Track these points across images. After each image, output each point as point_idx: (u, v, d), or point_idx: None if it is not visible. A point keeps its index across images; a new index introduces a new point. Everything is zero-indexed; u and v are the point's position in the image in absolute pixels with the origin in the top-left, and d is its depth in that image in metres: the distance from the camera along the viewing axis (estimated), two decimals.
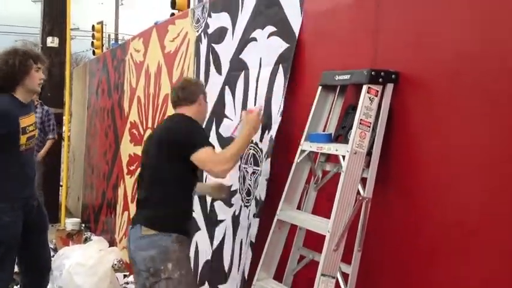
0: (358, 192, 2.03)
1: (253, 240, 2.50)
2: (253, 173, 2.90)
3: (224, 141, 3.34)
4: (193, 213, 3.02)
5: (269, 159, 2.65)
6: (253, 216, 2.70)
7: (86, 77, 8.42)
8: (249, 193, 2.92)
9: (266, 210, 2.54)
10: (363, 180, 2.04)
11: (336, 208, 1.99)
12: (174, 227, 2.56)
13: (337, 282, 2.00)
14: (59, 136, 7.74)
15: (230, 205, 3.13)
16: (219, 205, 3.34)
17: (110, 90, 6.70)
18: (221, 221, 3.26)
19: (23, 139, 3.24)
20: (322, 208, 2.21)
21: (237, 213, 3.06)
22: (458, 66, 1.80)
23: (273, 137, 2.68)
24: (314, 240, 2.18)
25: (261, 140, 2.86)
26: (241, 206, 3.03)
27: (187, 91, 2.81)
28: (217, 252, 3.26)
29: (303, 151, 2.31)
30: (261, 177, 2.73)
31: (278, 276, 2.35)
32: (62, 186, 7.73)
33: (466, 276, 1.71)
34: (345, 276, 2.04)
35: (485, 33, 1.73)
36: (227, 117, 3.33)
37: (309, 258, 2.28)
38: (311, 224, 2.19)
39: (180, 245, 2.55)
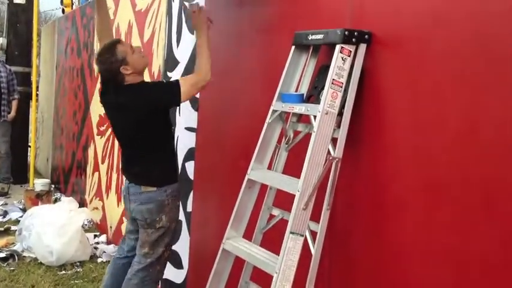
0: (329, 152, 2.05)
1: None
2: None
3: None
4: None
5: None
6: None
7: (55, 35, 8.18)
8: None
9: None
10: (334, 141, 2.06)
11: (306, 168, 2.01)
12: (165, 183, 2.85)
13: (305, 240, 2.04)
14: (27, 96, 7.56)
15: None
16: None
17: (80, 49, 6.53)
18: None
19: None
20: (293, 168, 2.23)
21: None
22: (432, 29, 1.80)
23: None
24: (284, 200, 2.20)
25: None
26: None
27: (109, 73, 2.78)
28: None
29: (274, 111, 2.30)
30: None
31: (248, 235, 2.37)
32: (30, 147, 7.61)
33: (434, 233, 1.75)
34: (314, 234, 2.08)
35: None
36: None
37: (279, 217, 2.30)
38: (281, 183, 2.20)
39: (173, 198, 2.86)
